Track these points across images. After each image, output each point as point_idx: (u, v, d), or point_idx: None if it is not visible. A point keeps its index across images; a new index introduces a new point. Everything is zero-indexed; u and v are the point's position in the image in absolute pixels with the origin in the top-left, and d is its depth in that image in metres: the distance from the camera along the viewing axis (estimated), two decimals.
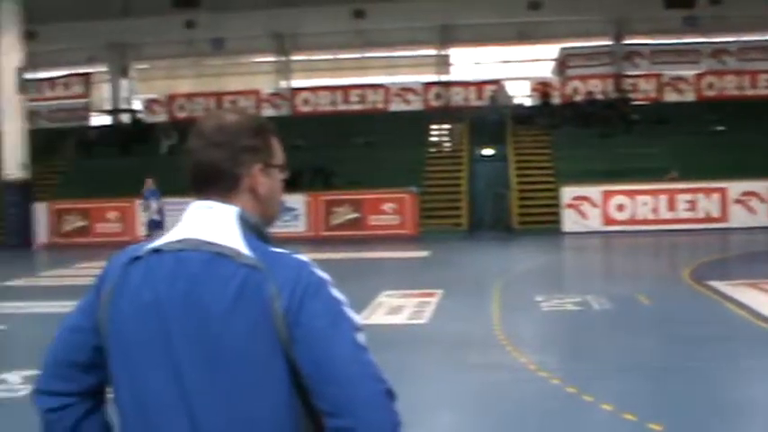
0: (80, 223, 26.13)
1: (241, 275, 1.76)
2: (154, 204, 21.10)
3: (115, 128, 31.31)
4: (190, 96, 31.42)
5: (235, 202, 1.87)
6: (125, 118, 32.11)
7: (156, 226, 20.44)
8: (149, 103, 32.20)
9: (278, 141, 1.98)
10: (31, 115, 28.51)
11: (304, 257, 1.85)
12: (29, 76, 26.42)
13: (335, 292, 1.81)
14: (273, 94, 32.39)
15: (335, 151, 26.77)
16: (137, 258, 1.84)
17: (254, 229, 1.86)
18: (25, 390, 8.04)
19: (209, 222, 1.84)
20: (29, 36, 26.29)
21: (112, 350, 1.83)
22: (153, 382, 1.77)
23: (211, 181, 1.88)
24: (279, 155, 1.97)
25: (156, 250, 1.83)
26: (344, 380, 1.72)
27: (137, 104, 32.63)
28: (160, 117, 31.20)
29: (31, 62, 26.63)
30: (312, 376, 1.74)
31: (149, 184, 21.41)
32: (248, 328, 1.75)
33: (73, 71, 30.37)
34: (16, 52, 25.40)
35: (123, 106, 32.40)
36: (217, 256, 1.79)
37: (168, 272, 1.80)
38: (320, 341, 1.74)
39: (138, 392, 1.79)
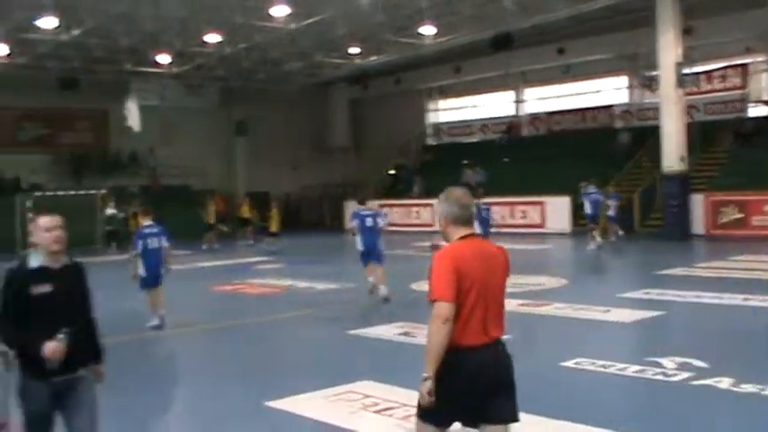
0: (736, 215, 26.04)
1: None
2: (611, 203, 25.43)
3: None
4: None
5: None
6: None
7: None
8: None
9: None
10: (689, 109, 29.21)
11: None
12: (686, 70, 27.13)
13: None
14: None
15: None
16: None
17: None
18: (678, 376, 8.33)
19: None
20: (686, 32, 27.03)
21: None
22: None
23: None
24: None
25: None
26: None
27: None
28: None
29: (689, 57, 27.29)
30: None
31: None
32: None
33: (729, 63, 30.16)
34: (675, 48, 26.40)
35: None
36: None
37: None
38: None
39: None
